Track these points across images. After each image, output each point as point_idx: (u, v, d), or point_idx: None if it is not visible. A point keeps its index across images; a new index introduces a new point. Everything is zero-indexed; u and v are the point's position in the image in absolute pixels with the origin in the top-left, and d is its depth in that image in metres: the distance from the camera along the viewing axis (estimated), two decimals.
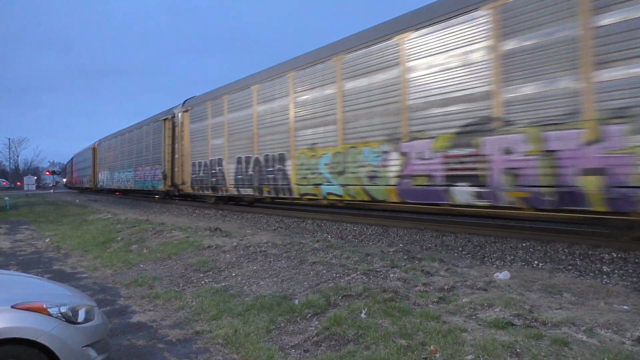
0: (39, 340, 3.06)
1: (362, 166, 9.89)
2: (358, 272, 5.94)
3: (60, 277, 7.70)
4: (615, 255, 6.69)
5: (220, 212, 16.97)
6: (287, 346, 4.29)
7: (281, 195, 12.75)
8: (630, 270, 6.08)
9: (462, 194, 7.91)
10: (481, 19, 7.64)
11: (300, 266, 6.66)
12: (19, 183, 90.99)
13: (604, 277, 5.93)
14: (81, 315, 3.42)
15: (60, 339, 3.15)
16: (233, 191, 15.02)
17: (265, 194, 13.38)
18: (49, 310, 3.24)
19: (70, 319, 3.32)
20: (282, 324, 4.77)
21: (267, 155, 13.29)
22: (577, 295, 5.03)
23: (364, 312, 4.61)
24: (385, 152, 9.34)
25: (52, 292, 3.72)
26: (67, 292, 3.82)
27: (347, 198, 10.52)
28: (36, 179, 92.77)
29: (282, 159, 12.58)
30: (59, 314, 3.27)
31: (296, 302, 5.23)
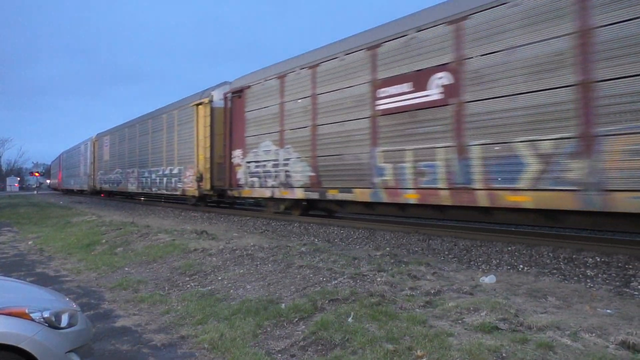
0: (20, 345, 3.00)
1: None
2: (345, 276, 5.94)
3: (43, 280, 7.58)
4: (598, 260, 6.77)
5: (206, 214, 16.86)
6: (273, 351, 4.27)
7: None
8: (614, 275, 6.16)
9: None
10: None
11: (287, 270, 6.64)
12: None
13: (588, 281, 6.00)
14: (64, 320, 3.36)
15: (43, 344, 3.10)
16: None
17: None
18: (31, 315, 3.18)
19: (53, 323, 3.26)
20: (268, 328, 4.74)
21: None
22: (562, 299, 5.08)
23: (350, 316, 4.61)
24: None
25: (34, 296, 3.65)
26: (50, 297, 3.75)
27: None
28: (19, 180, 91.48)
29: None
30: (42, 319, 3.20)
31: (283, 306, 5.21)
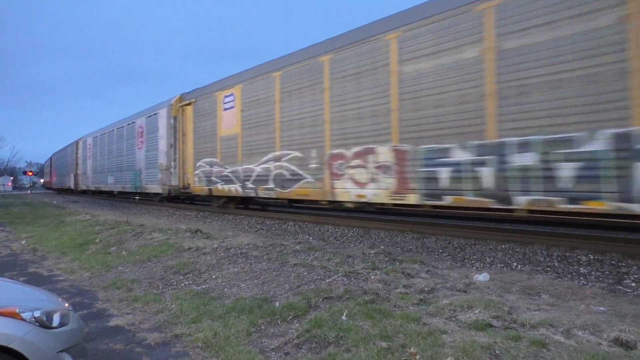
0: (11, 346, 2.97)
1: None
2: (339, 274, 5.93)
3: (36, 280, 7.53)
4: (592, 257, 6.80)
5: (200, 213, 16.81)
6: (267, 349, 4.26)
7: None
8: (607, 272, 6.19)
9: None
10: None
11: (282, 268, 6.63)
12: None
13: (581, 278, 6.03)
14: (56, 320, 3.33)
15: (34, 344, 3.07)
16: None
17: None
18: (22, 314, 3.15)
19: (44, 323, 3.23)
20: (262, 327, 4.73)
21: None
22: (555, 296, 5.09)
23: (344, 314, 4.60)
24: None
25: (26, 296, 3.62)
26: (41, 296, 3.72)
27: None
28: (13, 180, 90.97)
29: None
30: (33, 319, 3.18)
31: (277, 304, 5.20)
